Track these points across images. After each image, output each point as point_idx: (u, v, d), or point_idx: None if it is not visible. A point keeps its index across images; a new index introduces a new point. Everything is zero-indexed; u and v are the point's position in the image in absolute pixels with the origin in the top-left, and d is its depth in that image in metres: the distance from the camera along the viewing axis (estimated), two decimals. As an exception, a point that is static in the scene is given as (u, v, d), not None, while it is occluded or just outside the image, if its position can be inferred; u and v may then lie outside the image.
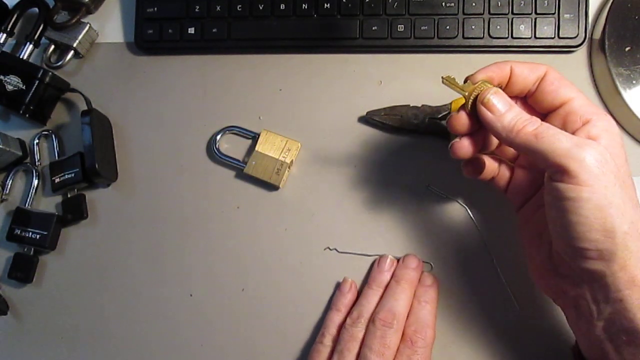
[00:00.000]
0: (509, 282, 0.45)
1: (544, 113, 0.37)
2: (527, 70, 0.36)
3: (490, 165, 0.40)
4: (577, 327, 0.36)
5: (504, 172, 0.41)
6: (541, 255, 0.37)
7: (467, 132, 0.37)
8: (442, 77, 0.36)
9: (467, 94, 0.36)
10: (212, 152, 0.50)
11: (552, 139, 0.32)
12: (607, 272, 0.32)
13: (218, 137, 0.50)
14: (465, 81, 0.37)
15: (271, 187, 0.49)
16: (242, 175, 0.49)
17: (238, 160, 0.49)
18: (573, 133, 0.34)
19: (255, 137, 0.49)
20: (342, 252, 0.47)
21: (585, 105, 0.35)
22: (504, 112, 0.35)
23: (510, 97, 0.37)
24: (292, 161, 0.48)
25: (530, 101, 0.38)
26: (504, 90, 0.36)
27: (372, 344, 0.41)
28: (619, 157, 0.33)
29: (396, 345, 0.42)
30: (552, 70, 0.36)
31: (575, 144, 0.32)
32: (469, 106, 0.36)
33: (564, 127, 0.35)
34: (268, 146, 0.48)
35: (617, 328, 0.33)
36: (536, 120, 0.34)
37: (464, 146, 0.37)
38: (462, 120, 0.37)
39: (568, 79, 0.36)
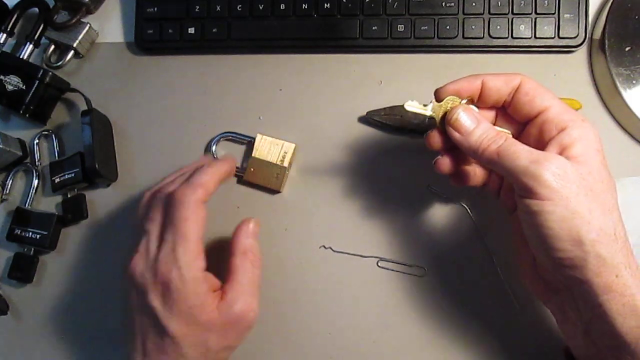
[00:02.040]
0: (509, 282, 0.45)
1: (524, 122, 0.38)
2: (500, 82, 0.36)
3: (480, 173, 0.40)
4: (564, 329, 0.37)
5: (495, 179, 0.41)
6: (528, 261, 0.38)
7: (444, 149, 0.38)
8: (402, 106, 0.37)
9: (434, 114, 0.37)
10: (212, 156, 0.50)
11: (512, 157, 0.33)
12: (583, 279, 0.32)
13: (214, 147, 0.49)
14: (435, 93, 0.37)
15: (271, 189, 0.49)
16: (241, 179, 0.49)
17: (237, 167, 0.49)
18: (548, 141, 0.34)
19: (251, 142, 0.49)
20: (337, 252, 0.47)
21: (561, 113, 0.35)
22: (471, 130, 0.35)
23: (487, 108, 0.37)
24: (290, 164, 0.48)
25: (510, 111, 0.38)
26: (477, 102, 0.37)
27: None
28: (590, 164, 0.33)
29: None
30: (528, 81, 0.36)
31: (533, 160, 0.32)
32: (439, 124, 0.37)
33: (540, 135, 0.35)
34: (264, 151, 0.48)
35: (599, 332, 0.33)
36: (501, 137, 0.34)
37: (445, 162, 0.38)
38: (435, 139, 0.38)
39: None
